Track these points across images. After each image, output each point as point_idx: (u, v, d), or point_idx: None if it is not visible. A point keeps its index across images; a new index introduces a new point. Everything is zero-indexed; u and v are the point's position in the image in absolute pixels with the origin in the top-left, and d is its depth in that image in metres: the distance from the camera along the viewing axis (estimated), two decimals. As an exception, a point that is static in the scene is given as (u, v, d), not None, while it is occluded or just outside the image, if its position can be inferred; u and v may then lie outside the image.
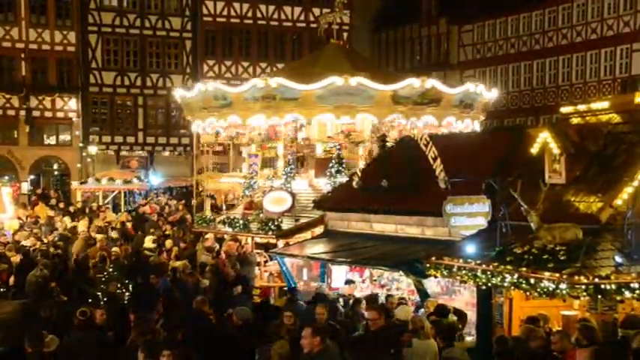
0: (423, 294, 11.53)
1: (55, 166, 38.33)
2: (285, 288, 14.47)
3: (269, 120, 18.84)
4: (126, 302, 12.74)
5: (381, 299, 12.19)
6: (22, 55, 35.78)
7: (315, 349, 7.40)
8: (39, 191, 33.99)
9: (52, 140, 37.57)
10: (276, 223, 16.49)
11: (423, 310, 11.14)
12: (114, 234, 20.77)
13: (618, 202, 9.31)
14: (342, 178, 16.82)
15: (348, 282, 13.29)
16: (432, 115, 18.63)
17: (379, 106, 18.00)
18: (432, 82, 18.37)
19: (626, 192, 9.31)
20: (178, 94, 21.10)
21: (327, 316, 9.49)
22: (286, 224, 16.52)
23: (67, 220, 24.16)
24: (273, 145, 20.19)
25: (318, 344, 7.41)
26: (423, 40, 41.84)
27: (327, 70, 18.79)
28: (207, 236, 18.84)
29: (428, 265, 10.44)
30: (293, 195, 17.30)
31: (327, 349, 7.49)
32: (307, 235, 15.91)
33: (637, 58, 30.95)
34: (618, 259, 8.61)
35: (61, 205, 28.83)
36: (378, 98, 17.89)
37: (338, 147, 18.38)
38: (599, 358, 7.06)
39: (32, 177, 37.02)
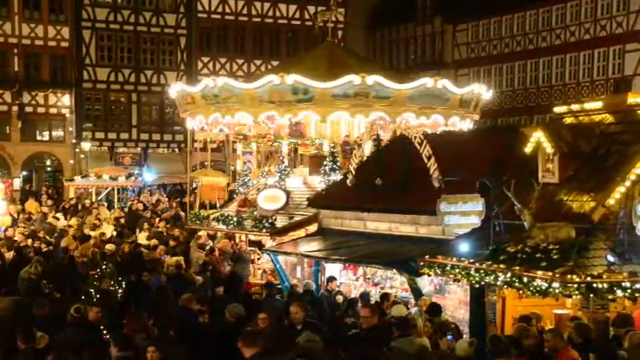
0: (417, 292, 11.56)
1: (48, 163, 38.20)
2: (279, 286, 14.50)
3: (281, 118, 18.60)
4: (119, 299, 12.72)
5: (375, 297, 12.22)
6: (15, 50, 35.62)
7: None
8: (28, 187, 33.91)
9: (45, 136, 37.43)
10: (270, 221, 16.50)
11: (416, 308, 11.17)
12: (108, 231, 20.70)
13: (611, 201, 9.37)
14: (337, 176, 16.84)
15: (331, 279, 13.28)
16: (440, 115, 18.56)
17: (395, 105, 17.87)
18: (444, 82, 18.40)
19: (619, 192, 9.37)
20: (174, 89, 20.88)
21: (304, 314, 9.06)
22: (280, 222, 16.53)
23: (59, 216, 24.13)
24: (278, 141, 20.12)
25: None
26: (418, 38, 41.89)
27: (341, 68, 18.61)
28: (200, 233, 18.85)
29: (421, 263, 10.48)
30: (287, 193, 17.30)
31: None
32: (301, 232, 15.93)
33: (630, 58, 31.06)
34: (610, 258, 8.68)
35: (49, 202, 28.69)
36: (394, 98, 17.77)
37: (332, 145, 18.42)
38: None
39: (25, 173, 36.89)
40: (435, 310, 10.00)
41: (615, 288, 8.38)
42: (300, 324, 8.85)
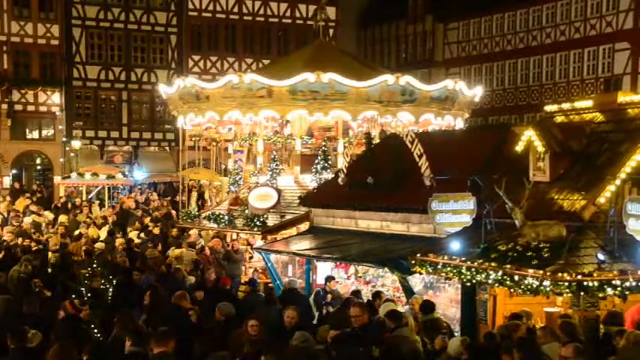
0: (408, 291, 11.58)
1: (38, 161, 37.99)
2: (270, 284, 14.48)
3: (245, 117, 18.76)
4: (110, 298, 12.69)
5: (367, 296, 12.22)
6: (5, 48, 35.35)
7: None
8: (17, 185, 33.71)
9: (35, 134, 37.21)
10: (261, 220, 16.49)
11: (407, 306, 11.19)
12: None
13: (601, 200, 9.42)
14: (328, 175, 16.85)
15: (329, 278, 13.27)
16: (409, 112, 18.55)
17: (353, 103, 17.95)
18: (407, 79, 18.31)
19: (609, 190, 9.42)
20: (162, 89, 20.92)
21: (298, 319, 9.02)
22: (272, 220, 16.52)
23: (49, 215, 24.01)
24: (278, 139, 20.16)
25: None
26: (409, 37, 41.95)
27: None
28: (190, 232, 18.81)
29: (413, 261, 10.50)
30: (278, 191, 17.30)
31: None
32: (292, 231, 15.93)
33: (619, 57, 31.23)
34: (601, 256, 8.71)
35: (34, 198, 28.48)
36: (352, 95, 17.83)
37: (324, 144, 18.43)
38: (581, 354, 7.14)
39: (14, 172, 36.68)
40: (427, 307, 10.01)
41: (605, 286, 8.42)
42: (292, 328, 8.74)
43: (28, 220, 21.89)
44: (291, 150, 19.92)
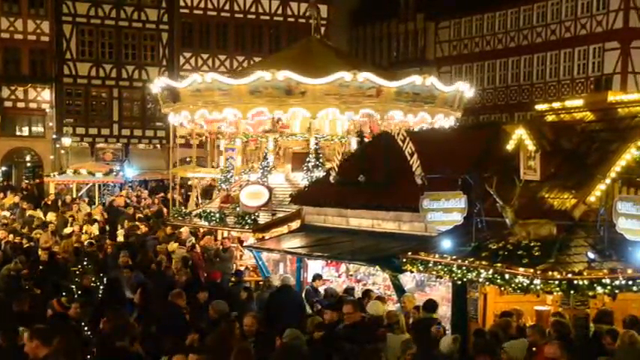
0: (399, 289, 11.59)
1: (28, 158, 37.84)
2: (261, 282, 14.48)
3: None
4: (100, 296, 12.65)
5: (359, 294, 12.22)
6: (-5, 45, 35.28)
7: None
8: (6, 182, 33.55)
9: (25, 131, 37.07)
10: (252, 217, 16.47)
11: (398, 304, 11.21)
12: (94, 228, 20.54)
13: (591, 199, 9.46)
14: (319, 173, 16.84)
15: (317, 277, 13.27)
16: (371, 109, 18.44)
17: (312, 100, 17.97)
18: (365, 75, 18.18)
19: (599, 189, 9.46)
20: (156, 85, 20.88)
21: (258, 326, 8.70)
22: (263, 218, 16.50)
23: (39, 212, 23.89)
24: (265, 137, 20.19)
25: None
26: (400, 36, 41.99)
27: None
28: (181, 230, 18.78)
29: (404, 260, 10.52)
30: (270, 189, 17.28)
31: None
32: (284, 229, 15.90)
33: (609, 57, 31.39)
34: (591, 255, 8.75)
35: (16, 197, 28.35)
36: (310, 92, 17.85)
37: (316, 142, 18.42)
38: (567, 351, 7.17)
39: (4, 168, 36.50)
40: (430, 306, 10.03)
41: (595, 284, 8.46)
42: (252, 336, 8.50)
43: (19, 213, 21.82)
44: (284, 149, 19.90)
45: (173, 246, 16.44)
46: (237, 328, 8.52)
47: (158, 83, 20.72)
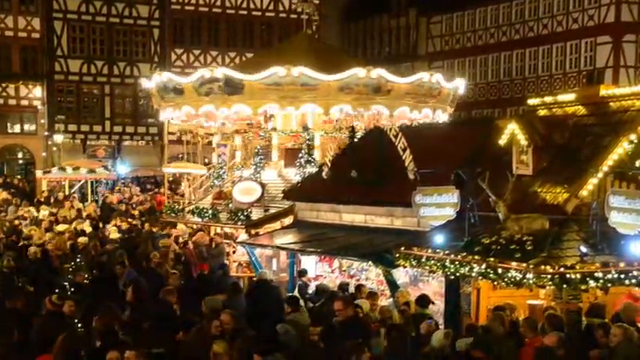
0: (393, 284, 11.61)
1: (20, 155, 37.69)
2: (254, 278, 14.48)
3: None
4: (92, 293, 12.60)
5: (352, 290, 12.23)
6: (-15, 42, 35.08)
7: None
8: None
9: (17, 129, 36.92)
10: (245, 214, 16.46)
11: (391, 300, 11.22)
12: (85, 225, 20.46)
13: (583, 193, 9.48)
14: (312, 169, 16.84)
15: (302, 272, 13.28)
16: (383, 105, 18.54)
17: (323, 96, 17.96)
18: (379, 72, 18.32)
19: (591, 183, 9.49)
20: (155, 80, 20.76)
21: (234, 324, 8.65)
22: (256, 214, 16.50)
23: (32, 209, 23.84)
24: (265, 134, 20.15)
25: None
26: (392, 31, 41.95)
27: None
28: (177, 227, 18.78)
29: (397, 255, 10.53)
30: (262, 185, 17.27)
31: None
32: (276, 225, 15.90)
33: (601, 51, 31.45)
34: (583, 249, 8.78)
35: (4, 193, 28.26)
36: (322, 88, 17.83)
37: (309, 138, 18.41)
38: (565, 344, 7.20)
39: (-4, 166, 36.39)
40: (423, 301, 10.05)
41: (588, 278, 8.49)
42: (229, 333, 8.42)
43: (12, 210, 21.75)
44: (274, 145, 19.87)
45: (167, 242, 16.42)
46: (216, 327, 8.50)
47: (158, 78, 20.09)
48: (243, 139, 20.34)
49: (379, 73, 18.16)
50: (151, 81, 20.14)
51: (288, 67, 17.74)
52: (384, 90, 18.25)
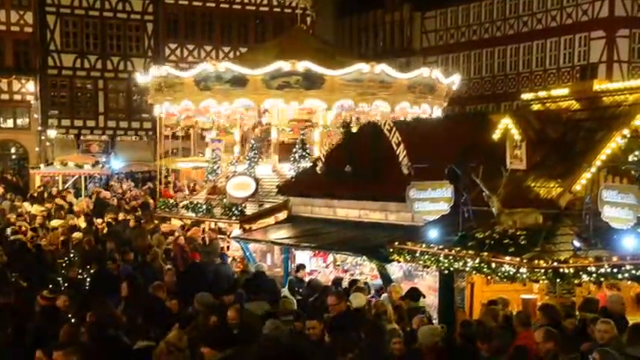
0: (387, 279, 11.62)
1: (13, 150, 37.56)
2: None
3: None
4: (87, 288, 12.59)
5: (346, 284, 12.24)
6: (-23, 36, 34.89)
7: None
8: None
9: (10, 123, 36.76)
10: (239, 209, 16.44)
11: (385, 294, 11.23)
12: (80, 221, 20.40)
13: (577, 187, 9.51)
14: (306, 164, 16.83)
15: (300, 267, 13.27)
16: (384, 101, 18.51)
17: (328, 91, 17.91)
18: (382, 67, 18.33)
19: (585, 178, 9.52)
20: (152, 73, 20.55)
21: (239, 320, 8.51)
22: (250, 209, 16.48)
23: (26, 205, 23.75)
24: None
25: None
26: (387, 26, 41.91)
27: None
28: (172, 223, 18.75)
29: (391, 250, 10.55)
30: (257, 180, 17.25)
31: None
32: (271, 220, 15.90)
33: (594, 46, 31.50)
34: (576, 243, 8.81)
35: (3, 187, 28.11)
36: (328, 84, 17.78)
37: (303, 133, 18.39)
38: (551, 338, 7.20)
39: (-11, 161, 36.25)
40: (414, 294, 10.06)
41: (581, 272, 8.53)
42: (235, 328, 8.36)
43: (6, 205, 21.67)
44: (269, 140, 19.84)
45: (159, 238, 16.37)
46: (213, 322, 8.49)
47: (156, 72, 19.72)
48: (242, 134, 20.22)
49: (383, 68, 18.20)
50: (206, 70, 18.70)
51: (372, 64, 18.01)
52: (387, 85, 18.28)
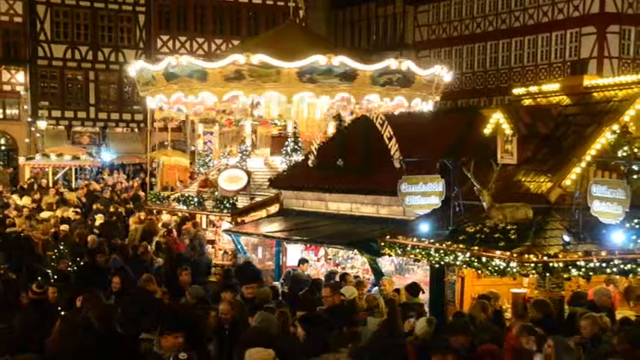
0: (378, 273, 11.65)
1: (2, 141, 37.34)
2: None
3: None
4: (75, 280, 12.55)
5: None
6: (-34, 26, 34.63)
7: None
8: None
9: (-1, 114, 36.60)
10: (231, 202, 16.43)
11: (377, 288, 11.27)
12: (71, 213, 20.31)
13: (567, 182, 9.55)
14: (298, 157, 16.82)
15: (302, 261, 13.27)
16: (347, 93, 18.48)
17: (287, 83, 17.92)
18: (408, 64, 18.43)
19: (575, 172, 9.56)
20: (133, 68, 20.61)
21: (232, 314, 8.46)
22: (241, 202, 16.48)
23: (15, 197, 23.65)
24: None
25: None
26: (379, 19, 41.85)
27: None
28: (162, 216, 18.70)
29: (382, 243, 10.57)
30: (248, 173, 17.24)
31: None
32: (262, 213, 15.90)
33: (585, 41, 31.58)
34: (566, 237, 8.85)
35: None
36: (285, 76, 17.75)
37: (294, 126, 18.38)
38: (530, 332, 7.26)
39: (-22, 152, 36.06)
40: (414, 289, 10.08)
41: (570, 267, 8.58)
42: (227, 323, 8.40)
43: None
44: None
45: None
46: (212, 316, 8.50)
47: (135, 66, 20.38)
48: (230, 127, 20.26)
49: (342, 60, 17.92)
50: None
51: (400, 60, 18.39)
52: (347, 77, 18.06)
